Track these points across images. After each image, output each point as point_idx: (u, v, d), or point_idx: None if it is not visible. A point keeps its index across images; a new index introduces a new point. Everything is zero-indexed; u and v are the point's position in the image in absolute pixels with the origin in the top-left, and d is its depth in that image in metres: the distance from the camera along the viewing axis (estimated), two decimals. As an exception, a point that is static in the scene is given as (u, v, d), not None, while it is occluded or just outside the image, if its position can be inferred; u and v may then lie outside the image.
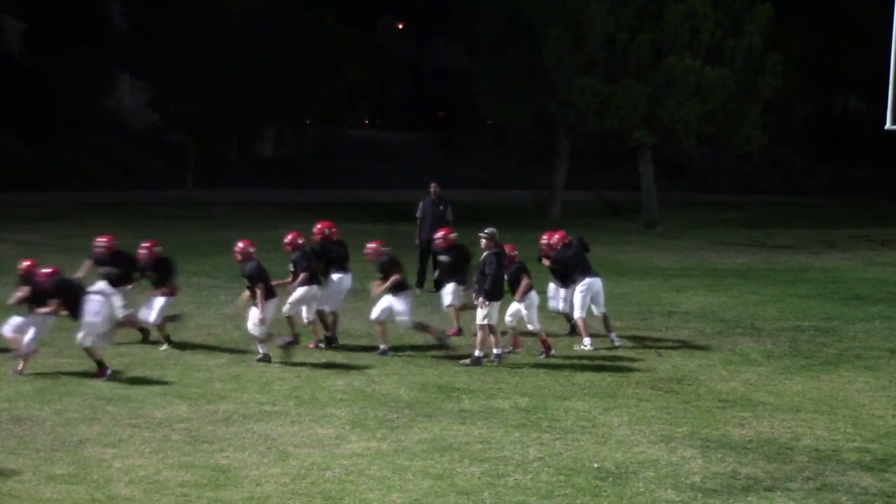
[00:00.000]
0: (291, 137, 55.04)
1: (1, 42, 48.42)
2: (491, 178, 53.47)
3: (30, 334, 13.71)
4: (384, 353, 15.26)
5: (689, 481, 10.07)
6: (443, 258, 17.01)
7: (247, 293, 15.02)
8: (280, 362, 14.68)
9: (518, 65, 39.06)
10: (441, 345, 15.57)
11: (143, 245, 15.75)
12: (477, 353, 14.76)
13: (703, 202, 48.53)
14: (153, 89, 49.28)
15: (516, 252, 15.70)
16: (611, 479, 10.08)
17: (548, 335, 15.79)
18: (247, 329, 15.00)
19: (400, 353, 15.44)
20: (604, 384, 13.86)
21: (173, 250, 26.32)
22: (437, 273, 17.96)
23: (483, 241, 15.07)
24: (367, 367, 14.51)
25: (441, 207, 21.56)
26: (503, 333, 15.38)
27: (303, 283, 15.47)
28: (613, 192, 49.32)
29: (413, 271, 21.26)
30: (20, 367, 13.67)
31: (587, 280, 16.29)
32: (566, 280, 16.64)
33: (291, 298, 15.66)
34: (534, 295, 15.46)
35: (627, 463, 10.56)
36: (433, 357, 15.31)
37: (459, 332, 16.74)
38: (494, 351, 14.89)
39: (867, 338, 17.48)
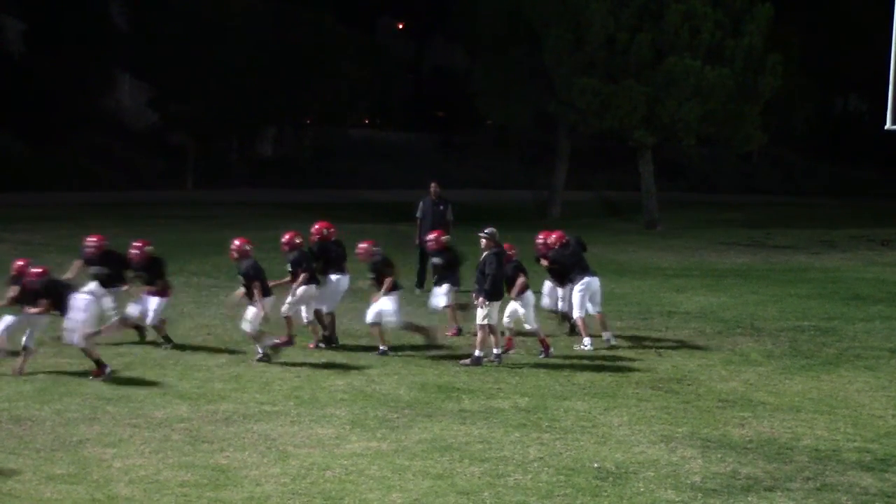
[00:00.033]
0: (291, 137, 55.06)
1: (1, 42, 48.43)
2: (491, 178, 53.48)
3: (27, 334, 13.73)
4: (384, 353, 15.26)
5: (689, 481, 10.07)
6: (435, 260, 17.00)
7: (240, 291, 15.00)
8: (278, 362, 14.67)
9: (518, 65, 39.06)
10: (431, 344, 15.52)
11: (135, 244, 15.65)
12: (477, 353, 14.76)
13: (703, 202, 48.54)
14: (153, 89, 49.29)
15: (514, 251, 15.71)
16: (611, 479, 10.08)
17: (547, 335, 15.78)
18: (249, 329, 14.96)
19: (400, 353, 15.44)
20: (604, 384, 13.86)
21: (173, 250, 26.42)
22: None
23: (483, 241, 15.07)
24: (367, 367, 14.51)
25: (441, 207, 21.57)
26: (500, 333, 15.38)
27: (303, 284, 15.47)
28: (613, 192, 49.33)
29: (413, 271, 21.32)
30: (18, 366, 13.67)
31: (586, 279, 16.30)
32: (563, 279, 16.66)
33: (290, 299, 15.66)
34: (529, 294, 15.47)
35: (627, 463, 10.56)
36: (433, 357, 15.31)
37: (459, 332, 16.74)
38: (494, 351, 14.89)
39: (867, 338, 17.48)
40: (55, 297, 13.66)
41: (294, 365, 14.56)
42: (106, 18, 48.68)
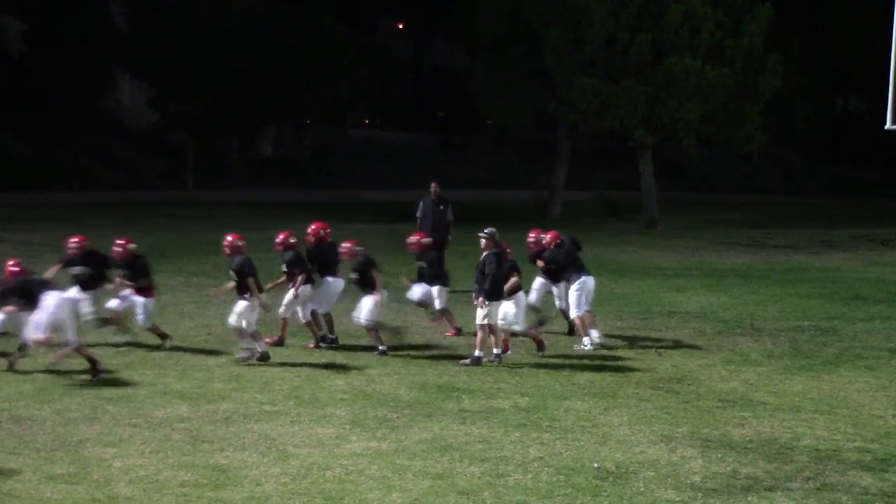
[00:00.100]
0: (291, 137, 55.07)
1: (1, 42, 48.44)
2: (491, 178, 53.50)
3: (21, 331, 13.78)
4: (383, 353, 15.26)
5: (689, 481, 10.07)
6: (420, 263, 16.97)
7: (231, 285, 14.98)
8: (278, 362, 14.68)
9: (518, 65, 39.08)
10: (399, 343, 15.48)
11: (118, 242, 15.58)
12: (477, 352, 14.76)
13: (703, 202, 48.55)
14: (153, 89, 49.30)
15: (509, 250, 15.70)
16: (611, 478, 10.08)
17: (548, 333, 15.78)
18: (245, 327, 14.92)
19: (400, 353, 15.44)
20: (604, 384, 13.86)
21: (173, 250, 26.48)
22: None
23: (483, 241, 15.07)
24: (367, 367, 14.51)
25: (441, 207, 21.58)
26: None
27: (301, 285, 15.47)
28: (613, 192, 49.35)
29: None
30: (13, 359, 13.72)
31: (582, 279, 16.31)
32: (558, 278, 16.69)
33: (287, 300, 15.65)
34: (521, 295, 15.47)
35: (627, 463, 10.56)
36: (433, 357, 15.31)
37: (459, 332, 16.74)
38: (494, 351, 14.89)
39: (867, 338, 17.48)
40: (27, 296, 13.60)
41: (294, 365, 14.56)
42: (106, 18, 48.70)
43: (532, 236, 16.96)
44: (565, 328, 17.06)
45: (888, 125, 15.57)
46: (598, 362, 15.18)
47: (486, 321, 14.76)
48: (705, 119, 35.95)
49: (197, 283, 21.38)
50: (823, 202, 50.55)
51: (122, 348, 15.29)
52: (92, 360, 13.68)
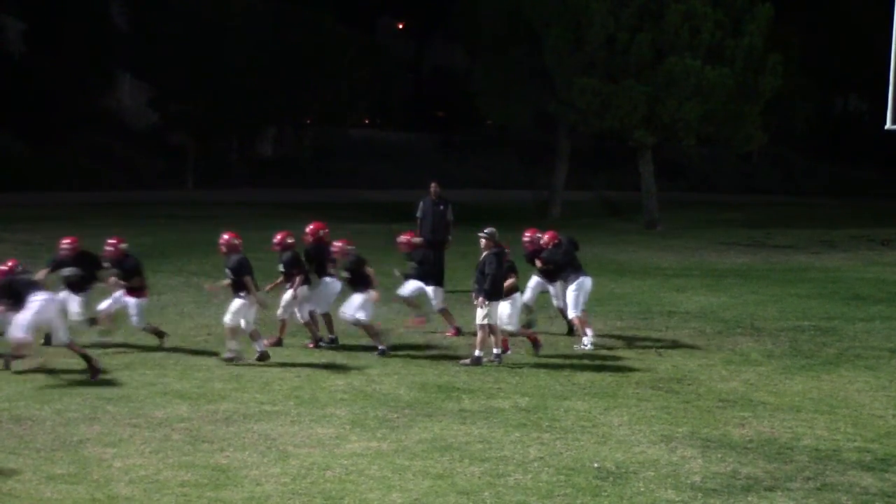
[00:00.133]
0: (291, 137, 55.09)
1: (1, 42, 48.45)
2: (491, 178, 53.52)
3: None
4: (383, 353, 15.25)
5: (689, 481, 10.07)
6: (410, 263, 16.97)
7: (226, 282, 14.96)
8: (278, 363, 14.68)
9: (518, 65, 39.09)
10: (381, 354, 15.35)
11: (109, 241, 15.52)
12: (477, 352, 14.76)
13: (703, 202, 48.57)
14: (153, 89, 49.32)
15: (507, 250, 15.69)
16: (611, 478, 10.08)
17: (548, 333, 15.77)
18: (244, 327, 14.91)
19: (400, 353, 15.44)
20: (604, 384, 13.86)
21: (173, 250, 26.49)
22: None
23: (483, 241, 15.07)
24: (366, 367, 14.51)
25: (441, 207, 21.56)
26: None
27: (300, 285, 15.47)
28: (613, 192, 49.37)
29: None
30: (7, 359, 13.74)
31: (580, 279, 16.31)
32: (554, 277, 16.70)
33: (284, 301, 15.64)
34: (518, 296, 15.48)
35: (628, 463, 10.56)
36: (433, 357, 15.31)
37: (458, 331, 16.74)
38: (494, 351, 14.89)
39: (867, 338, 17.48)
40: (14, 296, 13.58)
41: (294, 365, 14.56)
42: (106, 18, 48.72)
43: (528, 235, 16.96)
44: (565, 328, 17.06)
45: (888, 125, 15.57)
46: (598, 362, 15.18)
47: (486, 321, 14.76)
48: (705, 119, 35.96)
49: (197, 283, 21.37)
50: (823, 202, 50.56)
51: (115, 349, 15.27)
52: (87, 358, 13.68)
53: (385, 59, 55.57)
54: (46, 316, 13.61)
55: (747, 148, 43.06)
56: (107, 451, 10.58)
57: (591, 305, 19.22)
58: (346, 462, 10.37)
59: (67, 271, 15.42)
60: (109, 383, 13.34)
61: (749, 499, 9.70)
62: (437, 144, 57.91)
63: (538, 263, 16.77)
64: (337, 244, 15.76)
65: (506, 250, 15.39)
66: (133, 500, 9.29)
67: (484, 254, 14.98)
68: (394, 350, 15.53)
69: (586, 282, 16.41)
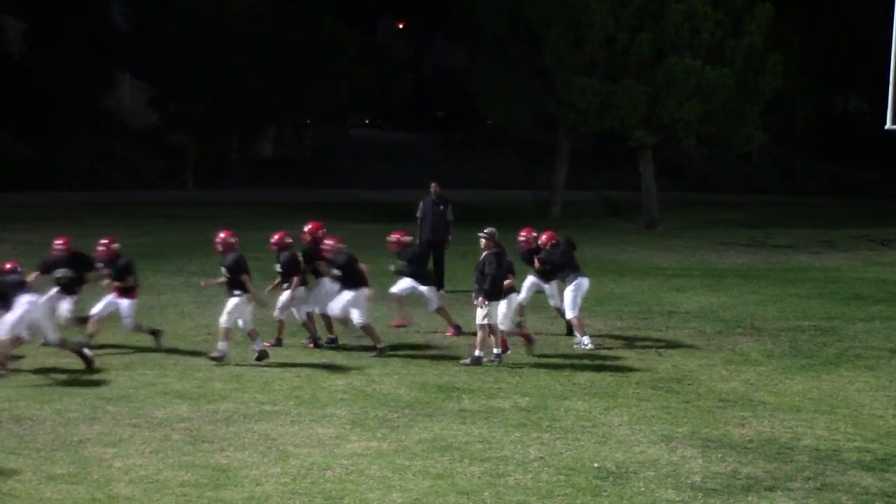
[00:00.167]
0: (291, 137, 55.08)
1: (1, 42, 48.45)
2: (491, 178, 53.50)
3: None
4: (381, 351, 15.25)
5: (689, 481, 10.07)
6: (400, 262, 16.96)
7: (221, 279, 14.94)
8: (278, 363, 14.68)
9: (518, 65, 39.08)
10: (378, 352, 15.35)
11: (102, 241, 15.40)
12: (477, 352, 14.76)
13: (703, 202, 48.56)
14: (153, 89, 49.32)
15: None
16: (611, 478, 10.08)
17: (547, 334, 15.76)
18: (242, 326, 14.90)
19: (399, 353, 15.45)
20: (604, 384, 13.86)
21: (173, 250, 26.49)
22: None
23: (482, 241, 15.07)
24: (367, 367, 14.51)
25: (441, 207, 21.58)
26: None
27: (297, 286, 15.47)
28: (613, 192, 49.35)
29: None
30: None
31: (578, 280, 16.31)
32: (550, 278, 16.70)
33: (281, 302, 15.63)
34: (514, 296, 15.49)
35: (628, 463, 10.56)
36: (433, 357, 15.32)
37: (458, 330, 16.73)
38: (494, 351, 14.89)
39: (867, 338, 17.48)
40: (1, 297, 13.55)
41: (294, 365, 14.56)
42: (106, 18, 48.73)
43: (523, 235, 16.94)
44: (564, 328, 17.04)
45: (888, 125, 15.58)
46: (598, 362, 15.18)
47: (486, 321, 14.77)
48: (705, 119, 35.95)
49: (197, 283, 21.34)
50: (823, 202, 50.55)
51: (114, 350, 15.27)
52: (79, 353, 13.66)
53: (385, 59, 55.55)
54: (32, 318, 13.61)
55: (747, 148, 43.05)
56: (107, 451, 10.58)
57: (592, 305, 19.26)
58: (346, 462, 10.37)
59: (60, 272, 15.37)
60: (109, 383, 13.34)
61: (749, 499, 9.70)
62: (437, 144, 57.88)
63: (536, 263, 16.76)
64: (328, 242, 15.72)
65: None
66: (133, 500, 9.29)
67: (484, 254, 14.98)
68: (394, 350, 15.53)
69: (584, 282, 16.41)
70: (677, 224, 38.07)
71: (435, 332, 16.92)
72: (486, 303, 14.72)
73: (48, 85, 45.36)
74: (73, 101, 46.18)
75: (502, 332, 15.23)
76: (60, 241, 15.65)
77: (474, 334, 15.10)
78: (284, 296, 15.57)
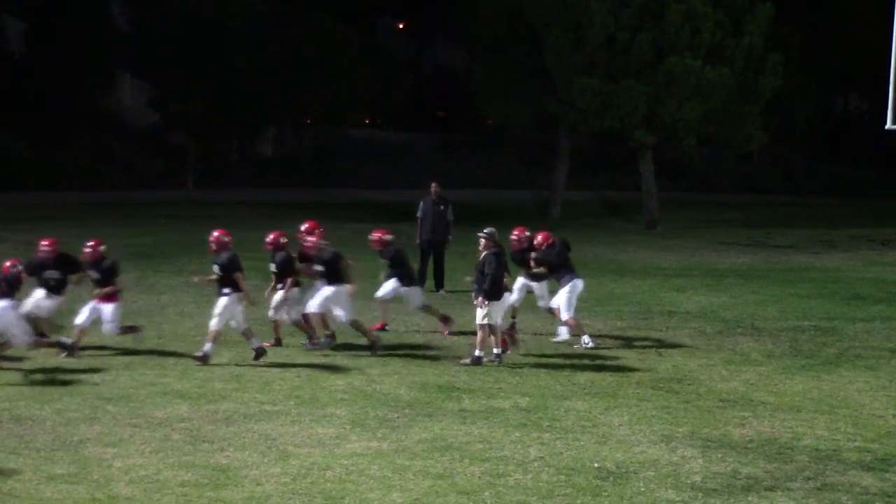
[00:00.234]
0: (291, 137, 55.06)
1: (1, 42, 48.44)
2: (491, 178, 53.48)
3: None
4: (374, 345, 15.28)
5: (689, 481, 10.07)
6: (383, 261, 16.97)
7: (213, 276, 14.92)
8: (278, 363, 14.68)
9: (518, 65, 39.08)
10: (372, 346, 15.46)
11: (88, 244, 15.22)
12: (477, 352, 14.76)
13: (703, 202, 48.56)
14: (153, 89, 49.30)
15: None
16: (611, 478, 10.08)
17: (548, 334, 15.76)
18: (235, 326, 14.88)
19: (400, 353, 15.45)
20: (604, 384, 13.86)
21: (174, 250, 26.49)
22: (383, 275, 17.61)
23: (482, 241, 15.08)
24: (367, 367, 14.50)
25: (441, 207, 21.59)
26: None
27: (291, 287, 15.46)
28: (613, 192, 49.35)
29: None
30: None
31: (573, 281, 16.31)
32: (541, 278, 16.70)
33: (275, 302, 15.62)
34: (507, 296, 15.51)
35: (628, 463, 10.56)
36: (433, 357, 15.32)
37: (447, 321, 16.74)
38: (494, 350, 14.89)
39: (867, 338, 17.48)
40: None
41: (294, 365, 14.56)
42: (106, 18, 48.70)
43: (516, 234, 16.92)
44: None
45: (888, 125, 15.58)
46: (598, 362, 15.18)
47: (485, 321, 14.77)
48: (705, 119, 35.95)
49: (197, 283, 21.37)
50: (823, 202, 50.55)
51: (114, 350, 15.27)
52: (59, 345, 13.73)
53: (385, 59, 55.51)
54: (4, 322, 13.62)
55: (747, 148, 43.04)
56: (107, 450, 10.58)
57: (592, 305, 19.28)
58: (346, 462, 10.37)
59: (47, 274, 15.31)
60: (109, 383, 13.34)
61: (749, 499, 9.70)
62: (437, 144, 57.87)
63: (532, 263, 16.72)
64: (310, 240, 15.68)
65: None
66: (133, 500, 9.29)
67: (483, 254, 14.99)
68: (394, 350, 15.53)
69: (578, 283, 16.43)
70: (677, 224, 38.06)
71: (435, 333, 16.92)
72: (486, 303, 14.72)
73: (48, 85, 45.34)
74: (73, 101, 46.16)
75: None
76: (46, 242, 15.52)
77: (474, 334, 15.10)
78: (278, 296, 15.57)
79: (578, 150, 44.15)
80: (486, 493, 9.60)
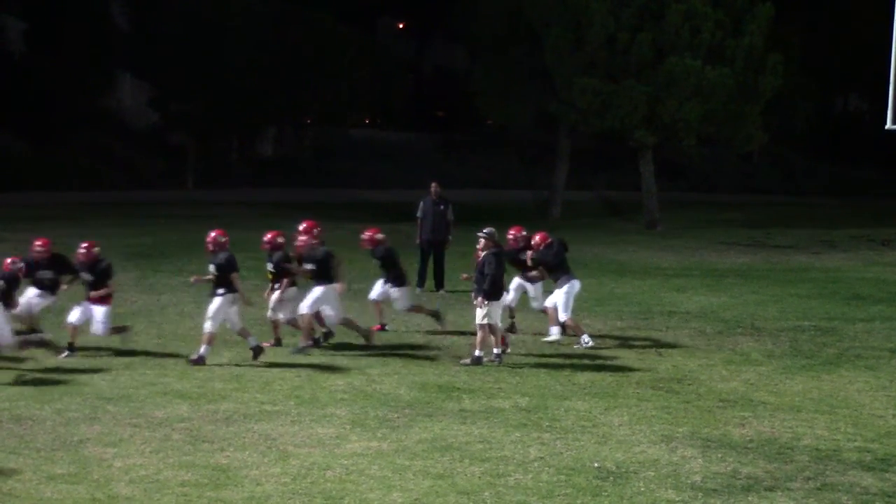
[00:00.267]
0: (291, 137, 55.06)
1: (1, 42, 48.44)
2: (491, 178, 53.48)
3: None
4: (368, 338, 15.40)
5: (689, 481, 10.07)
6: (375, 261, 16.98)
7: (209, 276, 14.90)
8: (279, 362, 14.68)
9: (518, 65, 39.08)
10: (367, 340, 15.65)
11: (83, 245, 15.16)
12: (477, 352, 14.77)
13: (704, 202, 48.55)
14: (153, 89, 49.30)
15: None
16: (611, 478, 10.08)
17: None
18: (231, 327, 14.87)
19: (400, 353, 15.45)
20: (604, 384, 13.86)
21: (174, 250, 26.49)
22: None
23: (482, 241, 15.08)
24: (367, 367, 14.50)
25: (441, 207, 21.60)
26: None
27: (288, 287, 15.46)
28: (614, 192, 49.35)
29: (413, 271, 21.34)
30: None
31: (571, 281, 16.32)
32: (538, 279, 16.71)
33: (272, 302, 15.61)
34: (506, 295, 15.50)
35: (628, 463, 10.56)
36: (433, 357, 15.31)
37: (437, 314, 16.84)
38: (495, 351, 14.89)
39: (868, 338, 17.48)
40: None
41: (294, 365, 14.55)
42: (106, 18, 48.69)
43: (512, 233, 16.92)
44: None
45: (888, 125, 15.57)
46: (598, 362, 15.18)
47: (485, 321, 14.77)
48: (706, 119, 35.94)
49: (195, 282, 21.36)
50: (823, 202, 50.54)
51: (112, 351, 15.28)
52: (39, 343, 13.77)
53: (385, 59, 55.51)
54: None
55: (748, 148, 43.04)
56: (107, 450, 10.58)
57: (592, 305, 19.30)
58: (346, 462, 10.37)
59: (41, 274, 15.28)
60: (109, 383, 13.34)
61: (749, 499, 9.70)
62: (437, 144, 57.85)
63: (528, 262, 16.70)
64: (301, 238, 15.67)
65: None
66: (133, 500, 9.29)
67: (483, 254, 14.99)
68: (394, 350, 15.54)
69: (576, 284, 16.44)
70: (677, 224, 38.06)
71: (435, 333, 16.92)
72: (486, 303, 14.72)
73: (48, 85, 45.33)
74: (73, 101, 46.15)
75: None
76: (40, 242, 15.53)
77: (474, 334, 15.10)
78: (276, 296, 15.57)
79: (578, 150, 44.12)
80: (486, 493, 9.60)
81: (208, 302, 14.70)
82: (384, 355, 15.27)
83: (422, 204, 21.82)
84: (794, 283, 23.74)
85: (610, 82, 35.75)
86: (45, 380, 13.41)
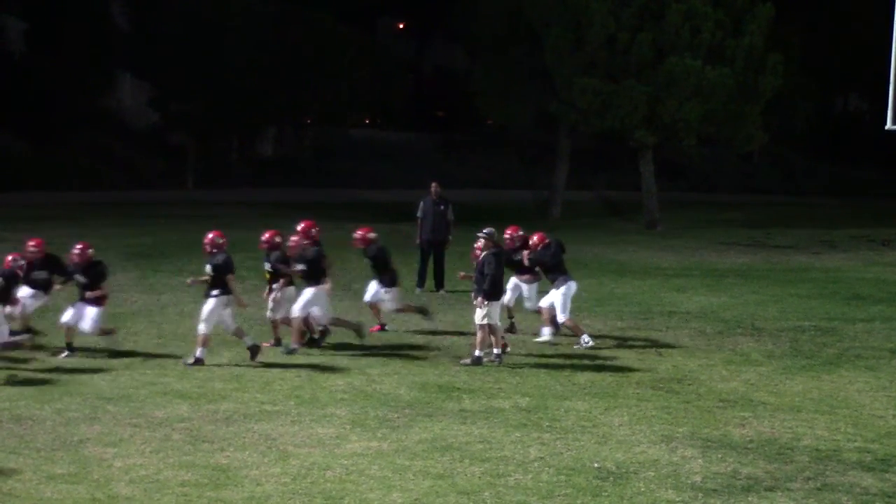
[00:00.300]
0: (291, 137, 55.04)
1: (1, 42, 48.44)
2: (491, 178, 53.47)
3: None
4: (360, 332, 15.50)
5: (689, 481, 10.07)
6: (366, 260, 16.99)
7: (205, 277, 14.88)
8: (279, 363, 14.68)
9: (518, 65, 39.07)
10: (358, 334, 15.80)
11: (77, 247, 15.14)
12: (477, 352, 14.77)
13: (704, 202, 48.55)
14: (153, 89, 49.29)
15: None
16: (611, 478, 10.08)
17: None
18: (226, 328, 14.86)
19: (400, 353, 15.45)
20: (604, 384, 13.86)
21: (174, 250, 26.49)
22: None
23: (482, 241, 15.08)
24: (367, 367, 14.50)
25: (442, 207, 21.60)
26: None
27: (285, 286, 15.46)
28: (614, 192, 49.34)
29: (413, 270, 21.36)
30: None
31: (568, 282, 16.32)
32: (534, 280, 16.71)
33: (270, 302, 15.60)
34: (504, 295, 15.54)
35: (628, 463, 10.56)
36: (433, 357, 15.31)
37: (425, 311, 16.97)
38: (495, 351, 14.89)
39: (868, 338, 17.48)
40: None
41: (294, 365, 14.56)
42: (106, 18, 48.68)
43: (508, 233, 16.91)
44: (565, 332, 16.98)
45: (888, 125, 15.57)
46: (598, 362, 15.18)
47: (485, 321, 14.77)
48: (706, 119, 35.94)
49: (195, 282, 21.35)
50: (823, 202, 50.53)
51: (109, 352, 15.28)
52: (18, 346, 13.85)
53: (385, 59, 55.49)
54: None
55: (748, 148, 43.03)
56: (107, 450, 10.58)
57: (592, 305, 19.31)
58: (346, 462, 10.37)
59: (35, 275, 15.25)
60: (109, 383, 13.34)
61: (749, 499, 9.70)
62: (437, 144, 57.84)
63: (524, 263, 16.70)
64: (294, 238, 15.66)
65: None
66: (133, 500, 9.29)
67: (483, 254, 14.99)
68: (394, 350, 15.54)
69: (573, 285, 16.44)
70: (677, 224, 38.06)
71: (435, 333, 16.92)
72: (486, 303, 14.73)
73: (48, 85, 45.32)
74: (73, 101, 46.14)
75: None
76: (34, 243, 15.51)
77: (474, 334, 15.10)
78: (274, 296, 15.56)
79: (578, 150, 44.11)
80: (486, 494, 9.60)
81: (202, 303, 14.69)
82: (384, 355, 15.28)
83: (422, 204, 21.82)
84: (794, 284, 23.74)
85: (610, 82, 35.75)
86: (45, 380, 13.42)
